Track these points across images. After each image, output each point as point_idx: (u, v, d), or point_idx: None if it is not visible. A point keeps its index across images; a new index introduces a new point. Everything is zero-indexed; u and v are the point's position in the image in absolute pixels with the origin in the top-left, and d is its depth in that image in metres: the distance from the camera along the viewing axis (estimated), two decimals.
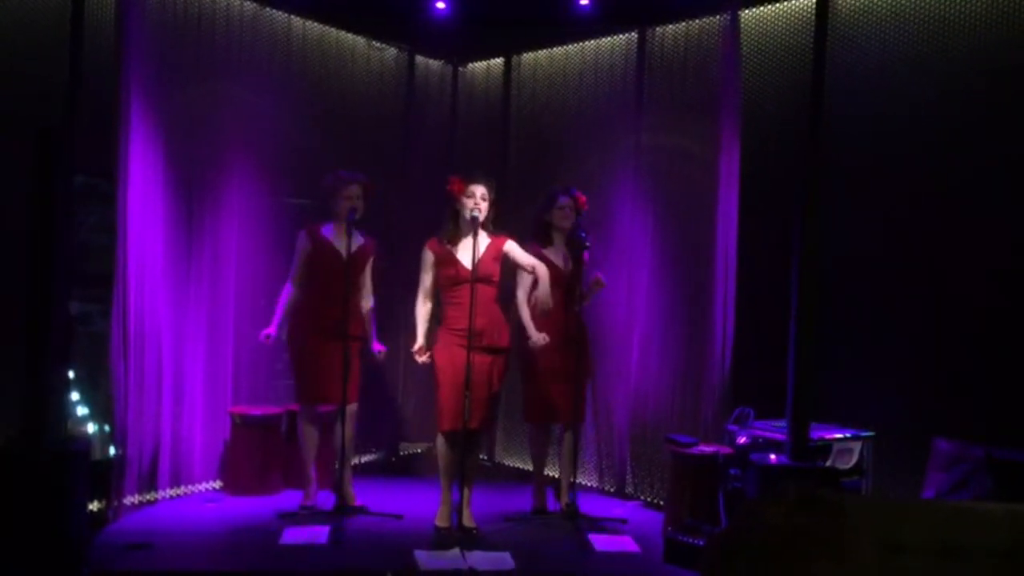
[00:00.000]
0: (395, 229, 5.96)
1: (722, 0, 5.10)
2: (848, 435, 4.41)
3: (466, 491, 4.63)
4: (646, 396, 5.45)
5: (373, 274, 5.00)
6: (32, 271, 3.83)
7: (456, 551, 4.23)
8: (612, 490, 5.62)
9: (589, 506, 5.01)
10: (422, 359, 4.65)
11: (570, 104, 6.06)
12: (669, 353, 5.36)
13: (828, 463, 4.27)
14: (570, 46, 6.08)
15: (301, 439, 4.94)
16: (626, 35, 5.73)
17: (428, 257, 4.67)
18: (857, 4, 4.78)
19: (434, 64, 6.60)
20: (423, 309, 4.70)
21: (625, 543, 4.54)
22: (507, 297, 4.91)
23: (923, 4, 4.54)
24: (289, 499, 5.11)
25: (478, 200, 4.57)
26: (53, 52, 4.38)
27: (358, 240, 4.83)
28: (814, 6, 4.54)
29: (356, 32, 6.06)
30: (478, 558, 4.15)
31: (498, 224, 4.74)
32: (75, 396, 4.75)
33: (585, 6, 5.55)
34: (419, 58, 6.47)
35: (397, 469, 6.22)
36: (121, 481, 4.66)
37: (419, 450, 6.43)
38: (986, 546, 2.31)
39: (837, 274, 4.61)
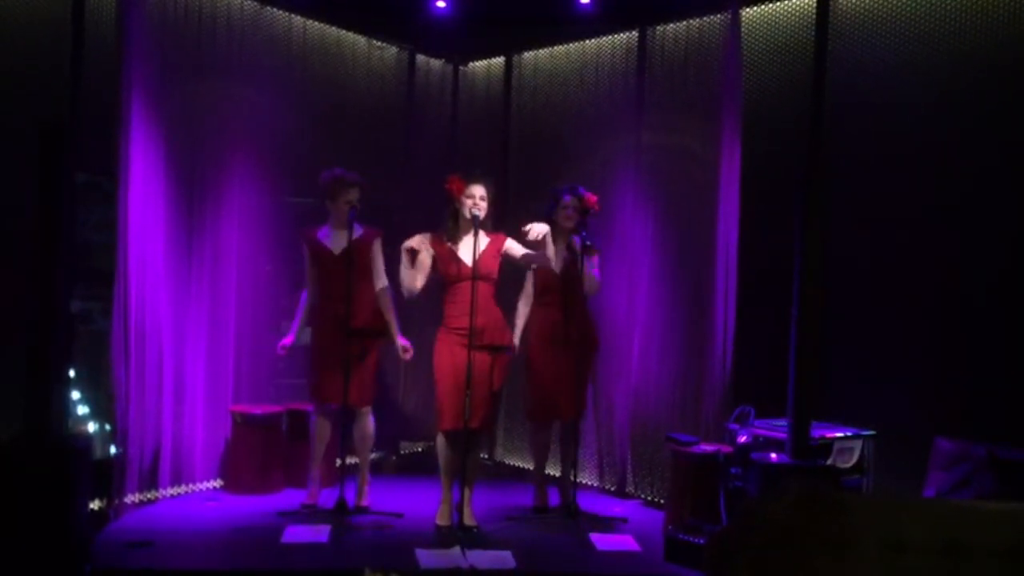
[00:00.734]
0: (396, 228, 5.95)
1: None
2: (849, 434, 4.41)
3: (467, 490, 4.63)
4: (647, 395, 5.45)
5: (386, 260, 4.97)
6: (34, 269, 3.84)
7: (457, 550, 4.23)
8: (613, 489, 5.62)
9: (589, 505, 5.01)
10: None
11: (571, 103, 6.06)
12: (670, 352, 5.36)
13: (829, 462, 4.27)
14: (571, 45, 6.08)
15: (310, 437, 4.97)
16: (627, 34, 5.73)
17: (425, 246, 4.65)
18: (858, 2, 4.78)
19: (435, 63, 6.60)
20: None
21: (626, 542, 4.54)
22: (508, 297, 4.91)
23: (925, 2, 4.53)
24: (290, 498, 5.11)
25: (477, 200, 4.57)
26: (54, 51, 4.38)
27: (357, 232, 4.82)
28: (815, 4, 4.53)
29: (357, 31, 6.07)
30: (479, 557, 4.16)
31: (499, 223, 4.74)
32: (76, 395, 4.75)
33: (586, 5, 5.55)
34: (420, 57, 6.47)
35: (398, 468, 6.22)
36: (122, 480, 4.66)
37: (419, 449, 6.43)
38: (988, 545, 2.31)
39: (838, 272, 4.60)
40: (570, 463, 4.96)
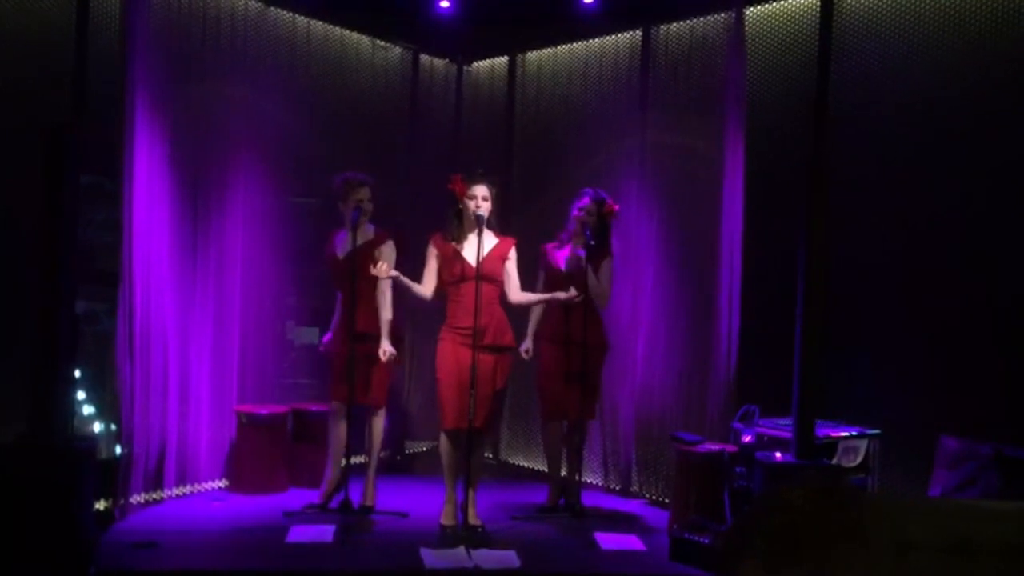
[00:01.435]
0: (401, 227, 5.96)
1: None
2: (854, 433, 4.40)
3: (471, 490, 4.63)
4: (651, 394, 5.45)
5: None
6: (39, 270, 3.84)
7: (461, 549, 4.24)
8: (618, 488, 5.62)
9: (595, 504, 5.00)
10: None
11: (574, 102, 6.06)
12: (674, 351, 5.36)
13: (834, 461, 4.26)
14: (575, 44, 6.08)
15: (329, 439, 5.00)
16: (630, 33, 5.73)
17: (432, 252, 4.67)
18: (863, 1, 4.77)
19: (439, 63, 6.60)
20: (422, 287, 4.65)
21: (631, 541, 4.54)
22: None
23: (929, 0, 4.52)
24: (295, 498, 5.11)
25: (480, 201, 4.57)
26: (59, 52, 4.38)
27: (369, 235, 4.83)
28: (819, 3, 4.52)
29: (361, 31, 6.07)
30: (483, 556, 4.16)
31: (503, 222, 4.73)
32: (81, 395, 4.76)
33: (589, 4, 5.55)
34: (424, 57, 6.48)
35: (402, 468, 6.22)
36: (127, 480, 4.66)
37: (424, 449, 6.44)
38: (994, 544, 2.31)
39: (843, 271, 4.59)
40: (574, 463, 4.96)
